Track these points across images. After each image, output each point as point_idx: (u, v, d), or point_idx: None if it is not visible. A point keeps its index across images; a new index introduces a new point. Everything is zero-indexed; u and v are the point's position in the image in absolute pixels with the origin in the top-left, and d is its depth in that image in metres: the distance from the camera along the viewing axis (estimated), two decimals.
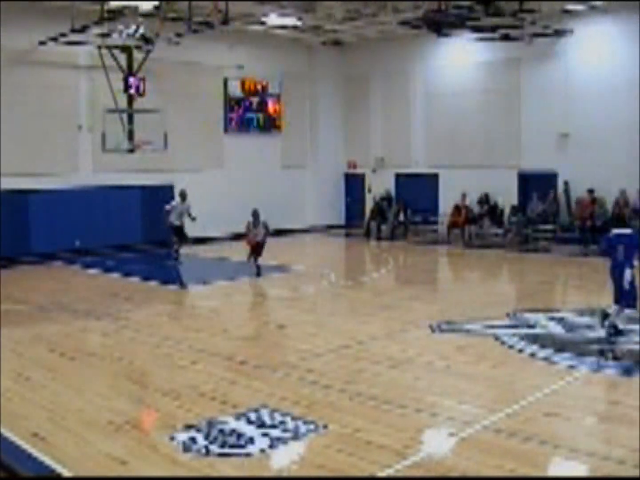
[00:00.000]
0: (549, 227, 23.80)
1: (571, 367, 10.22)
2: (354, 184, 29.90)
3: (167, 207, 20.92)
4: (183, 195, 20.98)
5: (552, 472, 7.09)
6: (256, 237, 19.02)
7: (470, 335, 12.18)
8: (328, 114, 29.60)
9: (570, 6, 22.51)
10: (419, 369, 10.36)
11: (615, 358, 10.68)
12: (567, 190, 23.90)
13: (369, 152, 29.25)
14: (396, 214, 27.19)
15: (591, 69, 23.23)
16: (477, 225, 25.35)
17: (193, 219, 20.81)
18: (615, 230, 12.69)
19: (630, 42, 22.49)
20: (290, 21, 24.18)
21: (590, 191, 22.94)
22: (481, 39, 22.42)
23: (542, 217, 23.93)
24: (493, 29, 20.83)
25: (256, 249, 19.05)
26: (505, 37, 21.64)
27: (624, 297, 11.83)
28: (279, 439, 7.64)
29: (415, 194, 27.73)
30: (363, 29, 26.38)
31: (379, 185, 28.55)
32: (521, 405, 8.59)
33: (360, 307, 15.03)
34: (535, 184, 24.61)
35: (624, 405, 8.72)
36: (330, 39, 28.38)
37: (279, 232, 25.10)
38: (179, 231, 21.07)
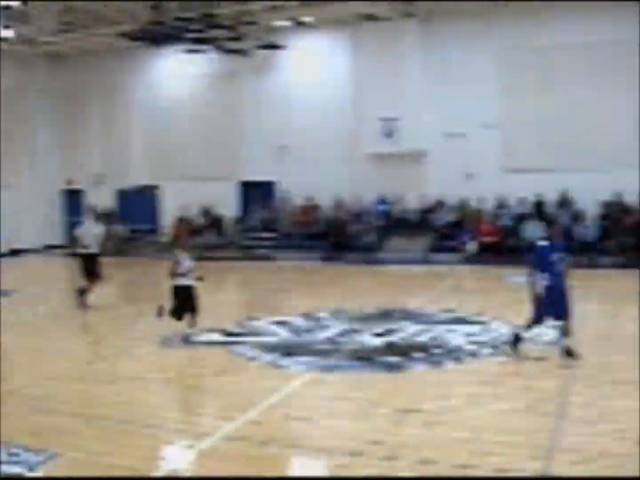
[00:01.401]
0: (270, 235, 24.40)
1: (302, 369, 10.57)
2: (73, 202, 28.84)
3: (79, 230, 16.16)
4: (95, 213, 17.26)
5: (294, 473, 7.26)
6: None
7: (201, 347, 12.18)
8: (44, 130, 28.34)
9: (285, 22, 23.27)
10: (151, 385, 10.19)
11: (346, 357, 11.17)
12: (285, 199, 24.70)
13: (89, 168, 28.38)
14: (118, 229, 26.59)
15: (306, 83, 24.22)
16: (200, 236, 25.39)
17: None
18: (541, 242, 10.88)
19: (341, 57, 23.75)
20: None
21: (309, 199, 23.87)
22: (199, 51, 22.56)
23: (263, 226, 24.52)
24: (212, 41, 21.05)
25: None
26: (224, 50, 21.95)
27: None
28: (11, 475, 7.13)
29: (137, 208, 27.34)
30: (79, 41, 25.54)
31: (101, 201, 27.77)
32: (258, 412, 8.71)
33: (87, 327, 14.52)
34: (256, 194, 25.19)
35: (355, 402, 9.13)
36: (45, 51, 27.15)
37: None
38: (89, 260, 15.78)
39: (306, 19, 23.14)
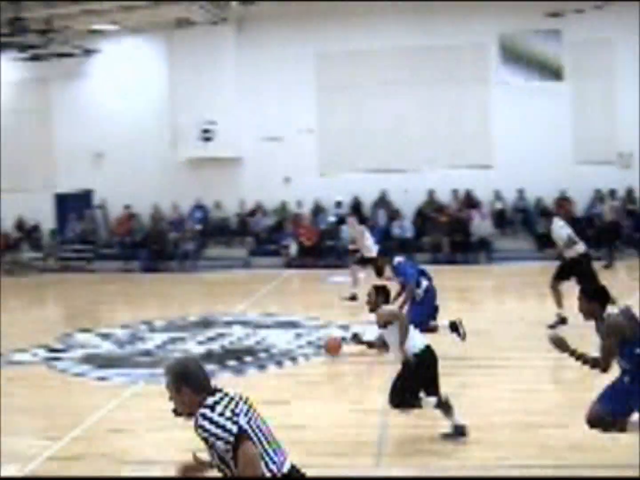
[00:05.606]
0: (88, 246, 23.70)
1: (127, 381, 10.44)
2: None
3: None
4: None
5: None
6: None
7: (21, 366, 11.71)
8: None
9: (98, 26, 22.63)
10: None
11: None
12: (104, 208, 24.16)
13: None
14: None
15: (122, 88, 23.72)
16: (16, 251, 24.25)
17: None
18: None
19: (156, 62, 23.54)
20: None
21: (127, 207, 23.46)
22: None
23: (81, 237, 23.80)
24: (20, 47, 20.21)
25: None
26: (32, 56, 21.13)
27: None
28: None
29: None
30: None
31: None
32: (84, 428, 8.51)
33: None
34: (72, 204, 24.39)
35: None
36: None
37: None
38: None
39: (116, 26, 22.59)
